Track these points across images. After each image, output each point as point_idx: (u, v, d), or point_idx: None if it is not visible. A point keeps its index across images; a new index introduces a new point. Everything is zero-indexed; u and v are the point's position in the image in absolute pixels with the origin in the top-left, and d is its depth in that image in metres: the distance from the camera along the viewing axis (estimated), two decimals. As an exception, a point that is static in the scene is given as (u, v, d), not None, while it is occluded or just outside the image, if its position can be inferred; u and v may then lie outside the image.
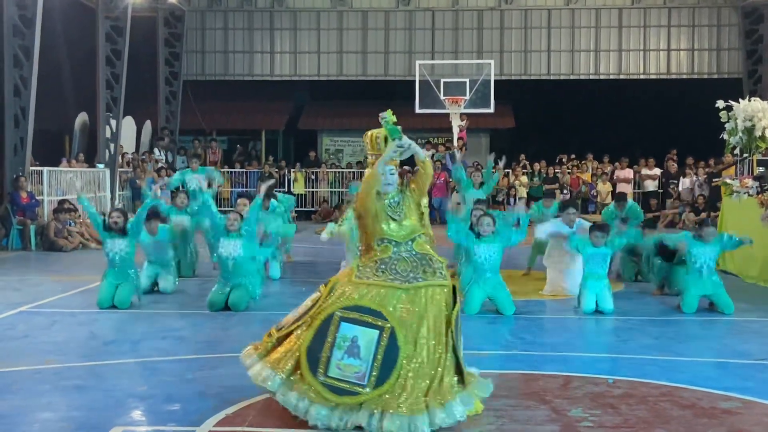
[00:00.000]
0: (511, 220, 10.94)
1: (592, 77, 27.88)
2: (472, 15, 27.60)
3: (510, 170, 24.37)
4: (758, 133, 13.60)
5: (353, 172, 25.20)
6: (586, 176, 24.82)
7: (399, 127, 5.74)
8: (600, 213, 17.62)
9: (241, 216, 10.23)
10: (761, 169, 14.08)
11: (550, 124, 32.14)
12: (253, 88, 29.16)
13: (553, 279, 11.28)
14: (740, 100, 13.99)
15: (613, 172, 24.71)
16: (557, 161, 25.48)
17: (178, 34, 27.14)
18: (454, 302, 5.61)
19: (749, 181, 13.04)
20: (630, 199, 14.16)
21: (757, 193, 12.49)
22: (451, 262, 11.82)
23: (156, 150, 25.35)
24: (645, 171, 24.79)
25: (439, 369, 5.37)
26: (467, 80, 23.51)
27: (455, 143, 22.94)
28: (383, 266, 5.57)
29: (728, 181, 14.09)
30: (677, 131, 28.45)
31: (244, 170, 25.81)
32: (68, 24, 23.19)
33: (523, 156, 25.86)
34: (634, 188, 24.53)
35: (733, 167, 15.42)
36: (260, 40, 27.94)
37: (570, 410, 5.88)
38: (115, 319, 9.43)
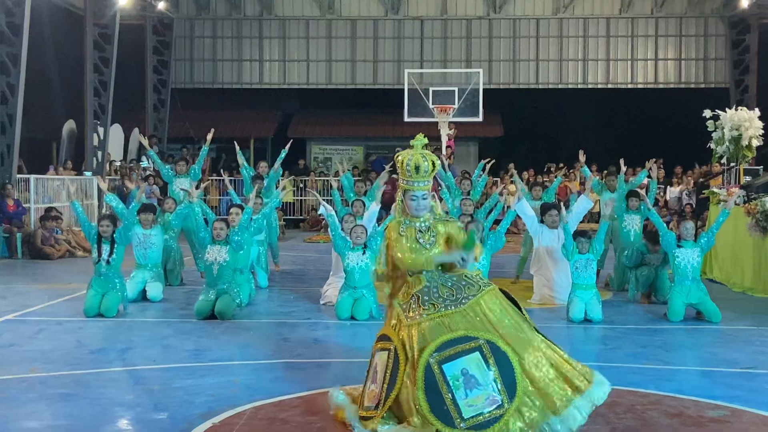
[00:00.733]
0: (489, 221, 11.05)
1: (580, 86, 28.02)
2: (460, 24, 27.69)
3: (498, 179, 24.37)
4: (745, 143, 13.58)
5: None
6: (574, 185, 24.79)
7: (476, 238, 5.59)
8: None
9: (228, 224, 10.21)
10: (748, 178, 14.23)
11: (539, 133, 32.04)
12: (241, 96, 29.17)
13: (540, 287, 11.24)
14: (727, 109, 13.98)
15: (601, 181, 24.60)
16: (545, 170, 25.45)
17: (166, 41, 27.15)
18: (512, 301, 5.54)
19: (736, 190, 12.95)
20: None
21: (744, 203, 12.42)
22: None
23: (144, 158, 25.19)
24: (633, 180, 24.70)
25: (550, 351, 5.29)
26: (456, 89, 23.46)
27: (444, 152, 22.88)
28: (426, 298, 5.41)
29: (715, 190, 14.10)
30: (665, 140, 28.47)
31: (233, 178, 25.62)
32: (56, 31, 23.14)
33: (512, 165, 25.75)
34: (622, 197, 24.47)
35: (720, 176, 15.46)
36: (249, 49, 27.99)
37: (557, 419, 5.66)
38: (101, 327, 9.37)
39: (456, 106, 23.19)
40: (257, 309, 10.61)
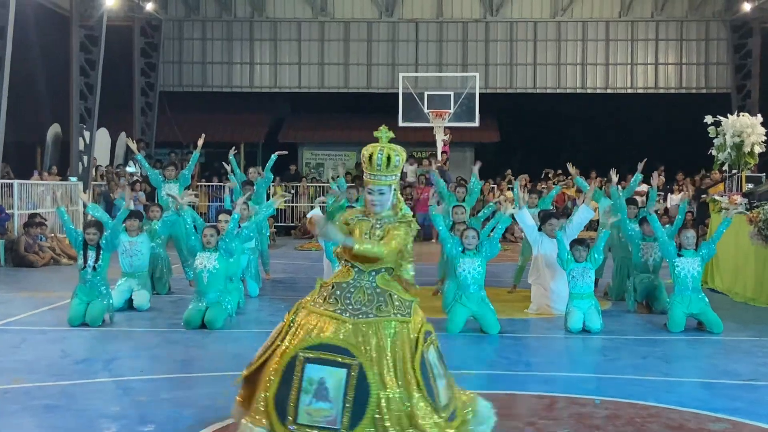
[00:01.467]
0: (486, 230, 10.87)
1: (578, 91, 27.98)
2: (456, 27, 27.58)
3: (495, 185, 24.29)
4: (747, 149, 13.49)
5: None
6: (572, 192, 24.47)
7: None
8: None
9: (218, 231, 10.11)
10: (750, 185, 14.04)
11: (536, 139, 32.32)
12: (231, 99, 29.09)
13: (538, 297, 11.15)
14: (729, 115, 13.88)
15: (600, 188, 24.29)
16: (543, 176, 25.24)
17: (154, 43, 27.04)
18: (421, 341, 5.18)
19: (738, 198, 12.89)
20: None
21: (747, 210, 12.30)
22: (436, 280, 12.16)
23: (130, 163, 24.89)
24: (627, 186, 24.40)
25: (411, 407, 5.00)
26: (452, 93, 23.62)
27: (439, 157, 22.75)
28: (338, 292, 5.19)
29: (717, 197, 13.98)
30: (665, 147, 28.47)
31: (222, 184, 25.33)
32: (41, 33, 23.00)
33: (508, 171, 25.64)
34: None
35: (722, 184, 15.43)
36: (239, 51, 27.88)
37: None
38: (86, 336, 9.30)
39: (452, 110, 23.36)
40: (247, 318, 10.57)
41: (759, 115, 13.85)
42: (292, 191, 25.05)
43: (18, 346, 8.76)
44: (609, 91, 27.81)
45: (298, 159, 29.97)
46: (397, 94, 23.72)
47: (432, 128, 23.19)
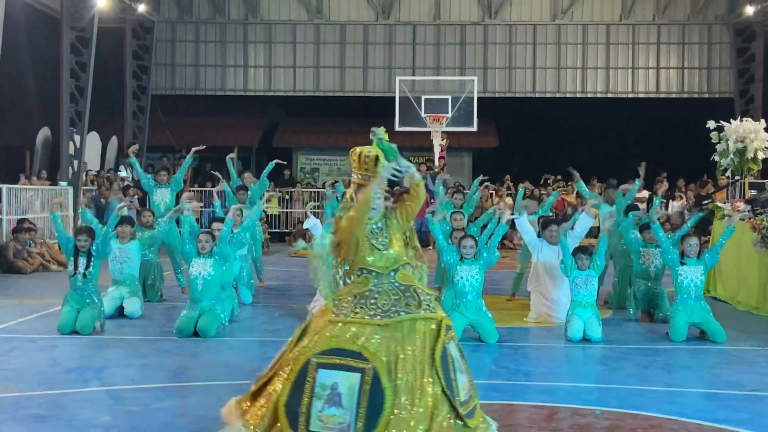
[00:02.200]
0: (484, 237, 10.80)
1: (578, 95, 27.84)
2: (454, 29, 27.42)
3: (494, 192, 24.09)
4: (750, 155, 13.40)
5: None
6: (572, 198, 24.22)
7: (395, 146, 5.30)
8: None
9: (213, 237, 10.11)
10: (753, 192, 13.98)
11: (535, 144, 32.53)
12: (225, 103, 28.98)
13: (538, 305, 11.10)
14: (731, 120, 13.80)
15: (600, 194, 24.04)
16: (542, 182, 25.02)
17: (146, 46, 26.84)
18: (443, 334, 5.22)
19: (741, 205, 12.76)
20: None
21: (749, 218, 12.23)
22: (433, 288, 11.73)
23: (122, 167, 24.71)
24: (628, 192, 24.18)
25: (430, 409, 5.00)
26: (449, 97, 23.45)
27: (437, 162, 22.53)
28: (362, 301, 5.21)
29: (719, 204, 13.95)
30: (666, 152, 28.55)
31: (215, 189, 25.09)
32: (31, 34, 22.89)
33: (507, 177, 25.42)
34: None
35: (725, 190, 15.40)
36: (233, 54, 27.69)
37: (555, 442, 5.86)
38: (77, 345, 9.29)
39: (449, 115, 23.23)
40: (241, 326, 10.56)
41: (762, 120, 13.72)
42: (287, 197, 24.82)
43: (7, 354, 8.74)
44: (609, 95, 27.70)
45: (293, 164, 29.86)
46: (394, 97, 23.57)
47: (429, 133, 23.04)
